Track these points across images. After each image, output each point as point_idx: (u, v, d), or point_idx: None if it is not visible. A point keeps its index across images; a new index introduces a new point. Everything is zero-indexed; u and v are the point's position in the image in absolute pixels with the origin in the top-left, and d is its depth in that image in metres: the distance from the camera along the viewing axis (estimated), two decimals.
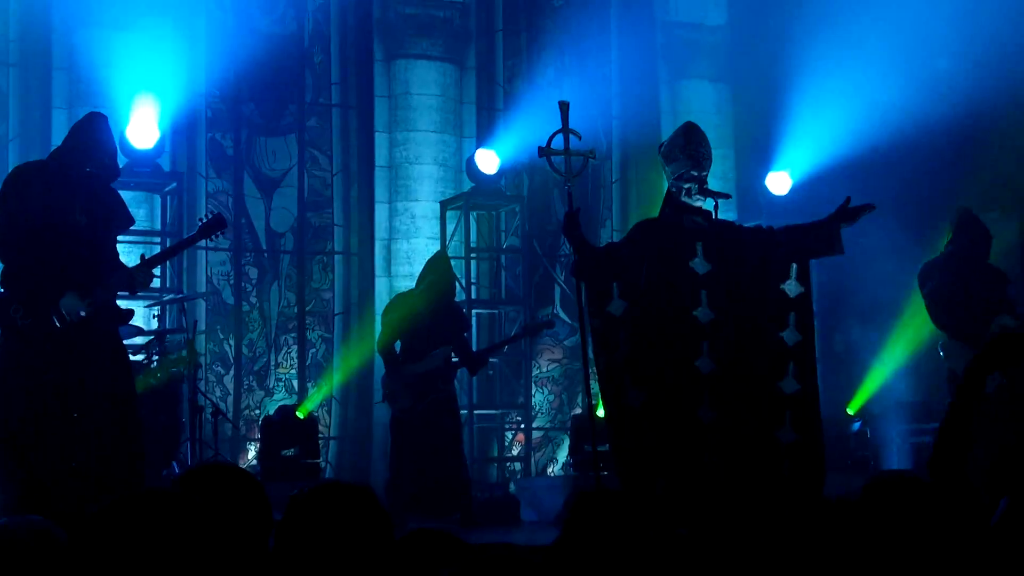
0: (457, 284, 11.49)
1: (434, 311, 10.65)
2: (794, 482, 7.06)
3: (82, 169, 7.00)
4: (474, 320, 13.44)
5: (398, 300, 11.14)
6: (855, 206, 7.25)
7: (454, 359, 10.99)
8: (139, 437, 7.15)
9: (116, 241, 7.37)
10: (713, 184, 7.77)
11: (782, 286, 7.38)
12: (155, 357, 10.58)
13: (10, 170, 7.31)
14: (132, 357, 10.77)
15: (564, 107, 7.93)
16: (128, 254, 12.16)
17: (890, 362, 13.80)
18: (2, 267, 6.96)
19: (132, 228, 10.86)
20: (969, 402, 4.05)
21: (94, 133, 7.11)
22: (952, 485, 3.67)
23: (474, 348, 11.95)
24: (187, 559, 2.08)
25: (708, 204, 7.50)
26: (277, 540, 2.79)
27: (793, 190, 14.26)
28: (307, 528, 2.70)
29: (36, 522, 3.42)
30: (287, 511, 2.92)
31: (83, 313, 6.87)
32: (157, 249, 12.30)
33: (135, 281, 7.27)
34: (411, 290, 11.37)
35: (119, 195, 7.45)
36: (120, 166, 7.32)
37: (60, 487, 6.66)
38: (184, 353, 10.67)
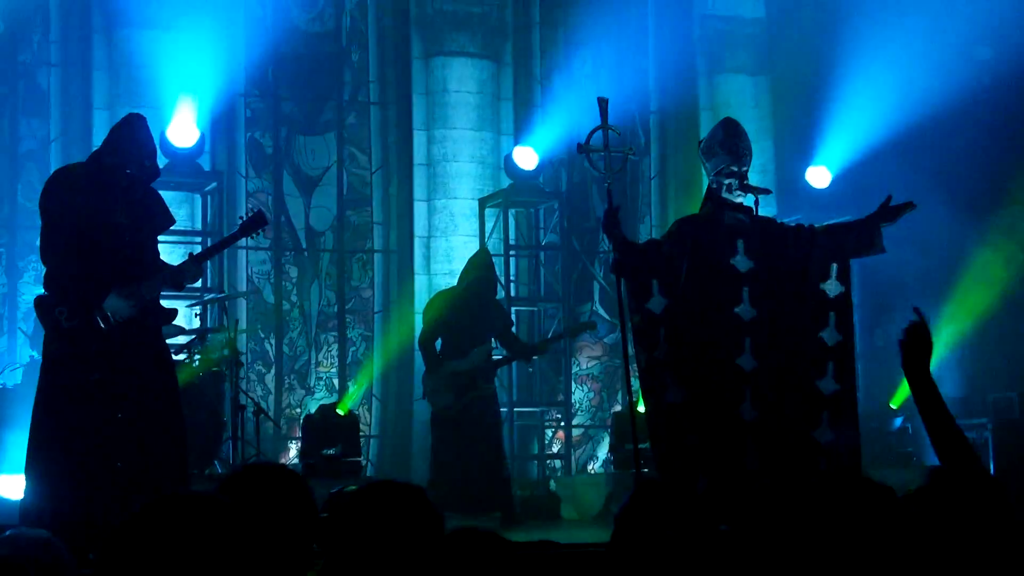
0: (497, 282, 11.46)
1: (475, 308, 10.64)
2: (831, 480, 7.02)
3: (122, 170, 6.99)
4: (513, 317, 13.42)
5: (439, 297, 11.12)
6: (896, 204, 7.20)
7: (495, 356, 10.98)
8: (183, 438, 7.16)
9: (157, 242, 7.37)
10: (752, 178, 7.73)
11: (822, 285, 7.34)
12: (196, 356, 10.62)
13: (51, 172, 7.32)
14: (174, 356, 10.86)
15: (603, 104, 7.90)
16: (170, 254, 12.23)
17: (933, 356, 13.70)
18: (45, 270, 6.98)
19: (173, 228, 10.91)
20: (928, 399, 4.10)
21: (134, 133, 7.09)
22: (971, 474, 3.67)
23: None
24: (219, 565, 2.07)
25: (749, 200, 7.46)
26: (325, 538, 2.79)
27: (833, 183, 14.18)
28: (359, 526, 2.69)
29: (41, 537, 3.43)
30: (334, 509, 2.92)
31: (127, 314, 6.88)
32: (199, 249, 12.36)
33: (185, 275, 7.27)
34: (452, 287, 11.37)
35: (159, 195, 7.45)
36: (160, 166, 7.31)
37: (104, 488, 6.70)
38: (226, 351, 10.70)
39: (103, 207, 6.87)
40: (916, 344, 4.23)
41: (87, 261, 6.82)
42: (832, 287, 7.34)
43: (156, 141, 7.33)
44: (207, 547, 2.09)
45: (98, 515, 6.45)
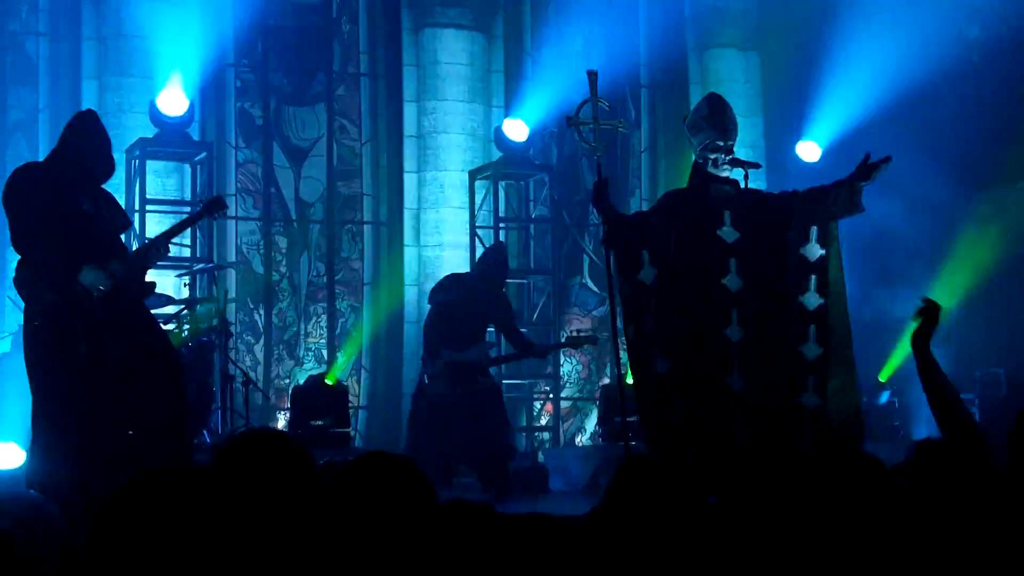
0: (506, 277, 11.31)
1: (484, 301, 10.52)
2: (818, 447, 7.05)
3: (84, 165, 7.18)
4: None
5: (449, 282, 10.90)
6: (873, 162, 7.21)
7: (492, 354, 10.99)
8: (183, 403, 7.37)
9: (120, 238, 7.51)
10: (742, 153, 7.75)
11: (802, 250, 7.36)
12: (186, 327, 10.63)
13: (16, 168, 7.43)
14: (163, 326, 10.87)
15: (593, 76, 7.91)
16: (158, 224, 12.26)
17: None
18: (18, 258, 7.10)
19: (164, 197, 10.94)
20: (929, 372, 4.25)
21: (88, 130, 7.27)
22: (968, 442, 3.72)
23: None
24: (205, 539, 2.08)
25: (737, 174, 7.48)
26: (319, 511, 2.80)
27: (824, 157, 14.20)
28: (351, 498, 2.71)
29: (31, 500, 3.45)
30: (330, 481, 2.94)
31: (103, 286, 7.00)
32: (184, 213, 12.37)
33: (148, 258, 7.44)
34: (466, 274, 11.26)
35: (114, 197, 7.61)
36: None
37: (107, 459, 6.78)
38: (215, 322, 10.71)
39: (67, 195, 7.02)
40: (927, 322, 4.39)
41: (60, 243, 6.95)
42: (812, 250, 7.35)
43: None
44: (193, 521, 2.10)
45: (100, 488, 6.52)
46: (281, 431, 3.76)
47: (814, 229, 7.34)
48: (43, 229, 6.94)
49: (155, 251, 7.43)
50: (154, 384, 7.08)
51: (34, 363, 6.99)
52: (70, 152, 7.19)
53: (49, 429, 6.88)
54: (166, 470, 2.20)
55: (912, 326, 5.54)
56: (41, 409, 6.92)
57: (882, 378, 13.73)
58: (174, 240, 10.28)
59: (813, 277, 7.32)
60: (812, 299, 7.30)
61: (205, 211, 7.97)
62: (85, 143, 7.22)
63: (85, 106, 12.58)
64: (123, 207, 7.68)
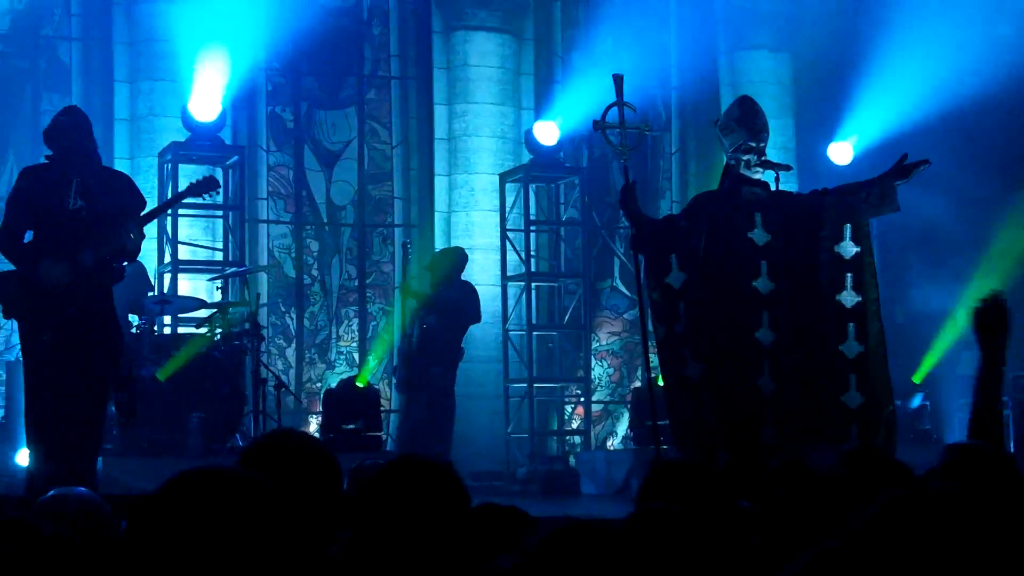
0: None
1: None
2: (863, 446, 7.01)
3: (77, 157, 7.52)
4: (533, 293, 13.44)
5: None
6: (910, 163, 7.18)
7: None
8: (104, 398, 7.71)
9: (125, 215, 7.66)
10: (773, 155, 7.73)
11: (837, 248, 7.33)
12: (218, 330, 10.67)
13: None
14: (195, 330, 10.93)
15: (619, 80, 7.91)
16: (190, 228, 12.32)
17: (953, 332, 13.70)
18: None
19: (196, 202, 11.04)
20: (992, 370, 4.18)
21: (63, 128, 7.60)
22: (994, 447, 3.69)
23: (534, 322, 11.92)
24: (245, 539, 2.09)
25: (767, 176, 7.47)
26: (352, 513, 2.80)
27: (856, 160, 14.14)
28: (388, 501, 2.71)
29: (85, 497, 3.47)
30: (360, 483, 2.94)
31: (64, 279, 7.33)
32: (220, 222, 12.44)
33: (124, 239, 7.67)
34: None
35: (129, 180, 8.00)
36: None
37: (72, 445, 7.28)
38: (247, 325, 10.73)
39: (53, 193, 7.42)
40: (991, 318, 4.33)
41: (24, 240, 7.47)
42: (847, 248, 7.32)
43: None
44: (234, 521, 2.10)
45: (76, 474, 6.97)
46: (304, 432, 3.77)
47: (847, 227, 7.31)
48: (14, 227, 7.49)
49: (127, 235, 7.62)
50: (88, 376, 7.42)
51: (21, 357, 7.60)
52: (55, 150, 7.56)
53: (29, 422, 7.42)
54: (206, 470, 2.20)
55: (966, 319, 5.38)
56: (25, 401, 7.53)
57: (916, 379, 13.65)
58: (206, 244, 10.52)
59: (849, 275, 7.29)
60: (849, 297, 7.27)
61: (192, 189, 8.29)
62: (66, 140, 7.55)
63: (117, 112, 12.71)
64: (135, 187, 7.96)
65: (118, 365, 7.95)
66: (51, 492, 3.42)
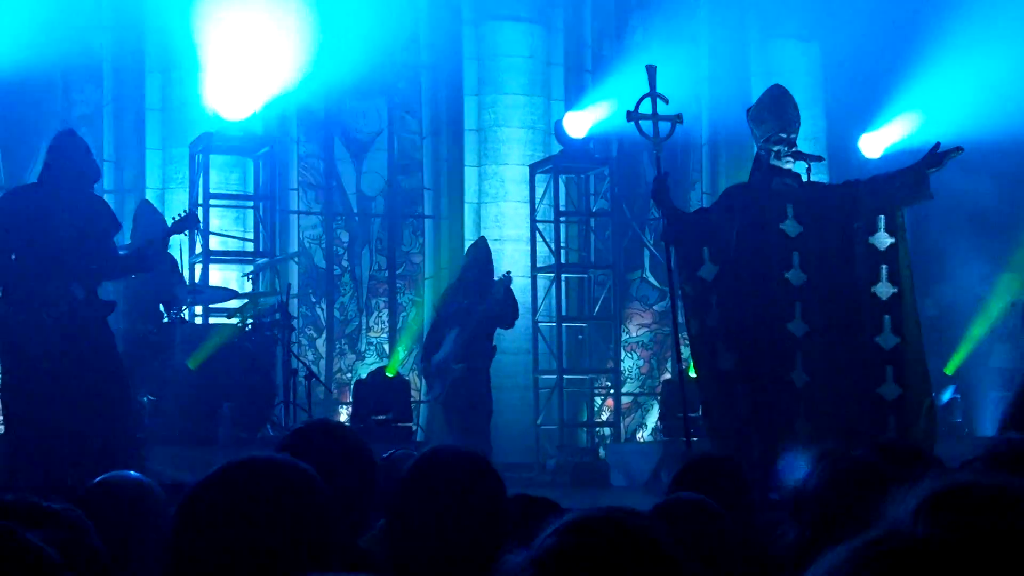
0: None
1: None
2: (901, 438, 6.97)
3: (65, 184, 7.65)
4: (563, 284, 13.42)
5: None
6: (943, 150, 7.13)
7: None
8: (128, 412, 7.94)
9: (111, 243, 7.93)
10: (802, 146, 7.70)
11: (871, 239, 7.29)
12: (249, 320, 10.70)
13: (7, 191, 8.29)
14: (226, 320, 10.97)
15: (651, 71, 7.89)
16: (221, 218, 12.35)
17: (986, 324, 13.64)
18: None
19: (228, 192, 11.12)
20: None
21: (63, 152, 7.73)
22: None
23: (564, 313, 11.86)
24: (293, 527, 2.10)
25: (799, 167, 7.43)
26: (388, 503, 2.80)
27: (887, 153, 14.07)
28: (425, 492, 2.71)
29: (135, 479, 3.49)
30: (394, 473, 2.95)
31: (62, 310, 7.49)
32: (251, 213, 12.49)
33: (142, 263, 8.16)
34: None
35: (103, 202, 8.20)
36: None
37: (55, 453, 7.41)
38: (277, 315, 10.75)
39: (44, 220, 7.54)
40: None
41: (27, 266, 7.52)
42: (882, 239, 7.28)
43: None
44: (283, 508, 2.11)
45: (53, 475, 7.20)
46: (340, 423, 3.78)
47: (881, 218, 7.27)
48: (14, 253, 7.54)
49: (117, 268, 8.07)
50: (100, 399, 7.58)
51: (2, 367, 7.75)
52: (55, 174, 7.68)
53: (13, 425, 7.63)
54: (254, 459, 2.21)
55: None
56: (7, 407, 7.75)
57: (948, 371, 13.59)
58: (237, 235, 10.62)
59: (884, 267, 7.24)
60: (884, 288, 7.23)
61: (175, 228, 8.50)
62: (67, 162, 7.70)
63: (148, 101, 12.76)
64: (111, 211, 8.18)
65: (126, 386, 8.02)
66: (101, 476, 3.45)
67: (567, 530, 1.42)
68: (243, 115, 12.10)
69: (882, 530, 1.02)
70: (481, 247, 11.26)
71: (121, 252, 8.54)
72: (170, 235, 8.71)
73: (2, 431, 8.30)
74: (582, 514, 1.47)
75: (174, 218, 8.60)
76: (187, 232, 8.88)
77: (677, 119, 8.22)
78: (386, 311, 14.05)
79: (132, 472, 3.58)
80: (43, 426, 7.39)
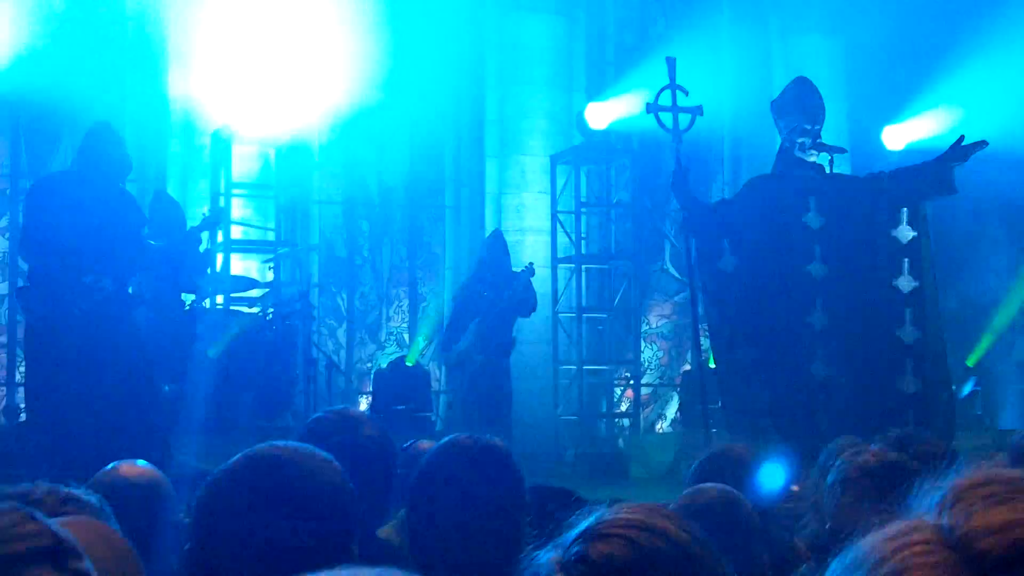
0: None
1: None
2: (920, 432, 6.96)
3: (99, 176, 7.68)
4: (584, 274, 13.41)
5: None
6: (967, 144, 7.10)
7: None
8: (153, 408, 7.93)
9: (139, 236, 7.97)
10: (825, 138, 7.68)
11: (893, 232, 7.27)
12: (270, 310, 10.73)
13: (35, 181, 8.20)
14: (247, 310, 11.00)
15: (671, 63, 7.89)
16: (244, 208, 12.38)
17: (1007, 318, 13.60)
18: (28, 266, 7.76)
19: (250, 182, 11.16)
20: None
21: (99, 144, 7.76)
22: None
23: (584, 304, 11.81)
24: (315, 514, 2.11)
25: (822, 159, 7.42)
26: (408, 492, 2.82)
27: (910, 146, 14.03)
28: (445, 481, 2.72)
29: (147, 470, 3.51)
30: (413, 463, 2.96)
31: (92, 305, 7.52)
32: (272, 201, 12.52)
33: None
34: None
35: (131, 197, 8.20)
36: (131, 164, 7.97)
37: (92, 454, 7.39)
38: (298, 305, 10.76)
39: (77, 210, 7.52)
40: None
41: (61, 257, 7.50)
42: (904, 232, 7.26)
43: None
44: (303, 497, 2.12)
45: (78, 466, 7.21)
46: (360, 411, 3.80)
47: (904, 211, 7.26)
48: (51, 245, 7.48)
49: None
50: (127, 391, 7.66)
51: (28, 356, 7.88)
52: (89, 165, 7.70)
53: (42, 407, 7.70)
54: (273, 448, 2.22)
55: None
56: (37, 392, 7.78)
57: (969, 363, 13.55)
58: (259, 225, 10.65)
59: (906, 260, 7.23)
60: (906, 282, 7.21)
61: (204, 227, 8.78)
62: (101, 154, 7.73)
63: (174, 88, 12.78)
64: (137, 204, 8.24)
65: (152, 378, 8.09)
66: (110, 465, 3.46)
67: (596, 534, 1.42)
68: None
69: (908, 521, 1.02)
70: (497, 239, 11.27)
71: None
72: (199, 232, 8.86)
73: (27, 420, 8.35)
74: (610, 516, 1.46)
75: (203, 213, 8.72)
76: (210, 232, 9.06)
77: (697, 111, 8.21)
78: (407, 301, 14.06)
79: (140, 461, 3.60)
80: (69, 417, 7.42)
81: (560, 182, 13.50)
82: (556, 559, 1.39)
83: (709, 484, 3.46)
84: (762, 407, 7.12)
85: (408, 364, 12.07)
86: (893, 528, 1.00)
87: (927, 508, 1.02)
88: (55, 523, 1.26)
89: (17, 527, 1.22)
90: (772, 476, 3.90)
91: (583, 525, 1.44)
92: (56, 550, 1.22)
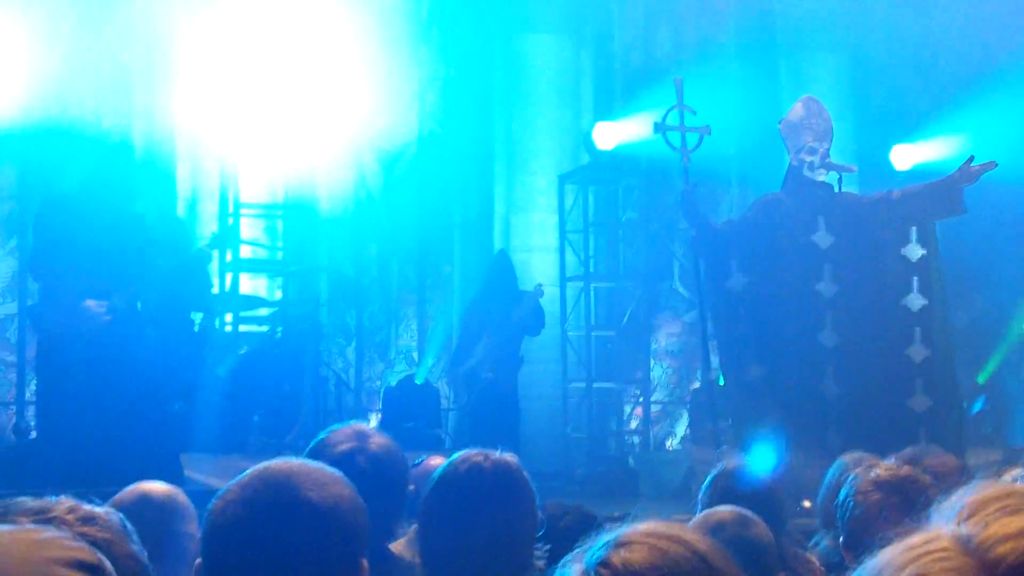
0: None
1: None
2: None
3: (109, 196, 7.79)
4: (592, 294, 13.41)
5: None
6: (977, 165, 7.11)
7: None
8: (163, 427, 8.11)
9: (146, 257, 8.08)
10: (833, 156, 7.69)
11: (903, 251, 7.28)
12: (279, 328, 10.75)
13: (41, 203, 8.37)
14: (256, 328, 11.02)
15: (679, 83, 7.91)
16: (252, 227, 12.40)
17: (1017, 334, 13.57)
18: (40, 284, 7.90)
19: (257, 203, 11.17)
20: None
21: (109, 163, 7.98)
22: None
23: (593, 323, 11.84)
24: (327, 531, 2.11)
25: (831, 177, 7.43)
26: (419, 509, 2.82)
27: (918, 166, 14.02)
28: (454, 497, 2.72)
29: (167, 490, 3.52)
30: (424, 479, 2.97)
31: (101, 322, 7.61)
32: (281, 222, 12.55)
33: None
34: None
35: (140, 216, 8.23)
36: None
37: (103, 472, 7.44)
38: (307, 324, 10.78)
39: (88, 231, 7.62)
40: None
41: (70, 279, 7.60)
42: (913, 251, 7.26)
43: None
44: (313, 514, 2.12)
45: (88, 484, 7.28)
46: (370, 427, 3.82)
47: (914, 230, 7.26)
48: (61, 264, 7.59)
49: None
50: (136, 408, 7.76)
51: (40, 374, 7.97)
52: (100, 185, 7.84)
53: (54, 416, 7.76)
54: (283, 464, 2.22)
55: None
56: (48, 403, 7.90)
57: (980, 380, 13.52)
58: (268, 244, 10.67)
59: (915, 278, 7.23)
60: (915, 300, 7.21)
61: (212, 246, 8.96)
62: (112, 175, 7.89)
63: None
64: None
65: (162, 397, 8.22)
66: (130, 486, 3.47)
67: (618, 542, 1.43)
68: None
69: (926, 532, 1.03)
70: (503, 260, 11.32)
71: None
72: (208, 252, 8.97)
73: (38, 438, 8.40)
74: (631, 527, 1.47)
75: (213, 232, 8.80)
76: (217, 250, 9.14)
77: (705, 130, 8.23)
78: (415, 320, 14.06)
79: (159, 481, 3.61)
80: (80, 434, 7.46)
81: (568, 201, 13.51)
82: (579, 569, 1.40)
83: (723, 507, 3.46)
84: (773, 425, 7.12)
85: (417, 382, 12.07)
86: (912, 539, 1.02)
87: (945, 520, 1.03)
88: (84, 543, 1.27)
89: (50, 548, 1.22)
90: (783, 493, 3.91)
91: (605, 537, 1.44)
92: (82, 567, 1.23)
